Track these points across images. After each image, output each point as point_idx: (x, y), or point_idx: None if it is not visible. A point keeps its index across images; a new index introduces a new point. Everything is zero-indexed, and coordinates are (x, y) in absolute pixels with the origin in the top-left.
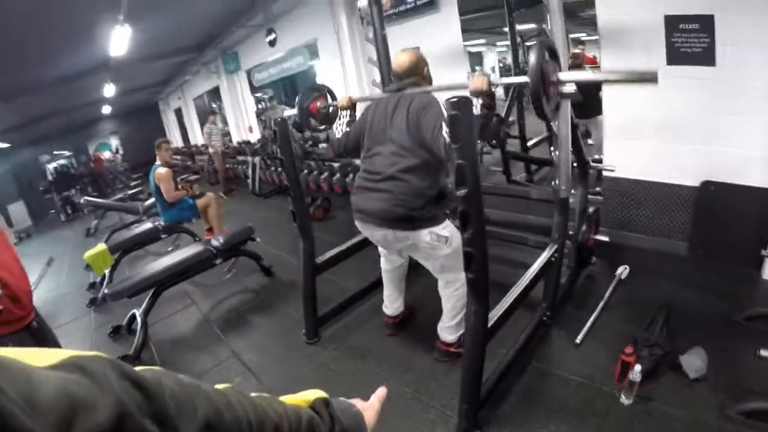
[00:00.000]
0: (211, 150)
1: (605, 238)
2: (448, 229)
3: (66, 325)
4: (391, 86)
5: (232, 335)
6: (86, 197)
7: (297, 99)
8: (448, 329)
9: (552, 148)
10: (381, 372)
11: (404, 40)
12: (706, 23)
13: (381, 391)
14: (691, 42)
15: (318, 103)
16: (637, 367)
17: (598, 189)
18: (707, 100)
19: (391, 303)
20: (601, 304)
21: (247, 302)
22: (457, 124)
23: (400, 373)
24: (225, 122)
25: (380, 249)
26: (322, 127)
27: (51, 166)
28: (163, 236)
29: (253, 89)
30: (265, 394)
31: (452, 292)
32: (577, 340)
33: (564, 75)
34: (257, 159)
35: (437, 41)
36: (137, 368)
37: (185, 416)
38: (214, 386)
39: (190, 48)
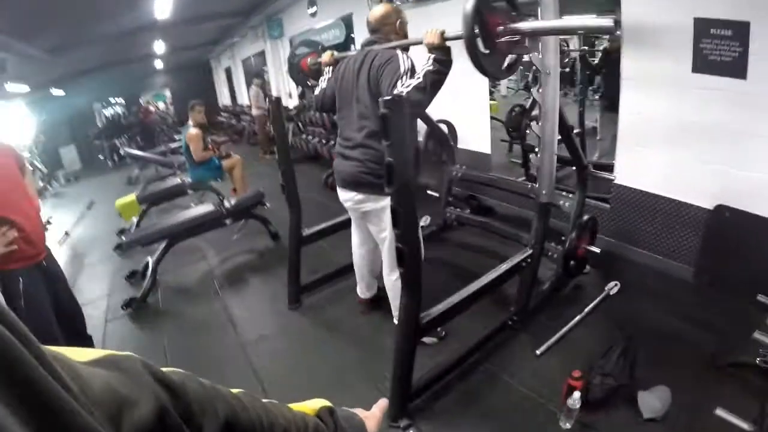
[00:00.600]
0: (254, 112)
1: (596, 250)
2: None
3: (92, 265)
4: (364, 40)
5: (228, 291)
6: (126, 149)
7: (287, 54)
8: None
9: (537, 152)
10: (345, 347)
11: (434, 22)
12: (740, 31)
13: (382, 403)
14: (721, 50)
15: (309, 60)
16: (576, 394)
17: (606, 195)
18: (732, 115)
19: (363, 285)
20: (577, 318)
21: (250, 263)
22: (388, 122)
23: (360, 351)
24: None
25: (352, 221)
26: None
27: (103, 114)
28: (189, 192)
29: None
30: (275, 401)
31: (394, 281)
32: (539, 351)
33: (518, 24)
34: (291, 125)
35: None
36: (163, 369)
37: (207, 416)
38: (230, 390)
39: (236, 12)
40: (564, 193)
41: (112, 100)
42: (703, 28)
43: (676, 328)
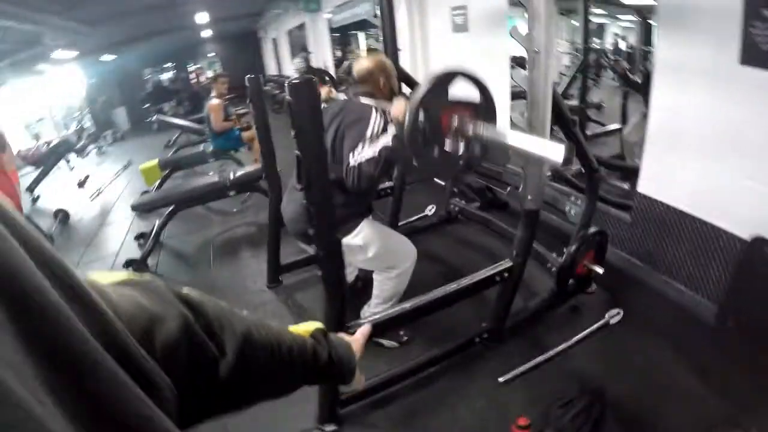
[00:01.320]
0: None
1: (599, 270)
2: (360, 237)
3: (112, 223)
4: (350, 90)
5: (219, 262)
6: (159, 115)
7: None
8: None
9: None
10: None
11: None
12: None
13: (365, 328)
14: None
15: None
16: None
17: (629, 203)
18: None
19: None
20: (561, 347)
21: (248, 236)
22: (295, 111)
23: None
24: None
25: None
26: None
27: (151, 80)
28: (210, 160)
29: (331, 30)
30: (275, 324)
31: (384, 278)
32: (502, 379)
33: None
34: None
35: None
36: (183, 290)
37: (227, 332)
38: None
39: None
40: (573, 198)
41: (161, 67)
42: (755, 8)
43: (679, 383)
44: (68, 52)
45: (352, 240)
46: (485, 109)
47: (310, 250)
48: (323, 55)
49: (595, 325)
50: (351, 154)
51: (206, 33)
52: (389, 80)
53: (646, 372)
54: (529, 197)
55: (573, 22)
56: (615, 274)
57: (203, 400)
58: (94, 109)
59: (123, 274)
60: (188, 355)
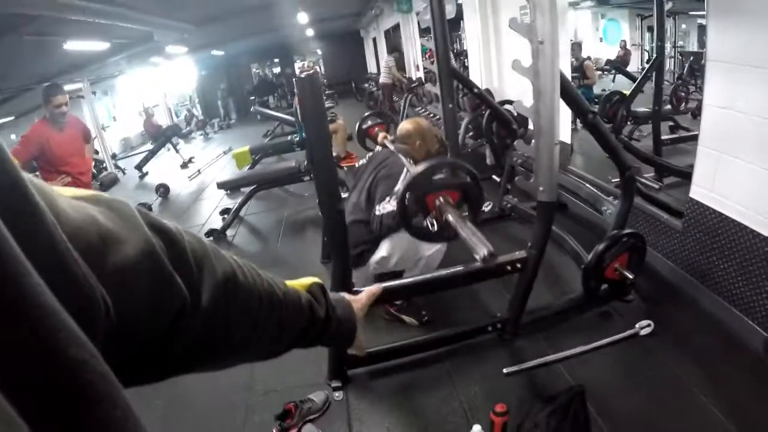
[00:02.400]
0: (382, 80)
1: (630, 275)
2: (382, 249)
3: (205, 198)
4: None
5: (286, 239)
6: (256, 106)
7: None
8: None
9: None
10: None
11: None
12: None
13: (374, 288)
14: None
15: (376, 130)
16: (476, 427)
17: (682, 210)
18: None
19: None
20: (578, 350)
21: (314, 218)
22: (301, 98)
23: None
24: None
25: None
26: None
27: (257, 74)
28: (296, 149)
29: (421, 31)
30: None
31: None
32: (507, 370)
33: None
34: (409, 95)
35: None
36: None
37: (206, 271)
38: (234, 257)
39: None
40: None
41: (267, 62)
42: None
43: (701, 412)
44: (178, 47)
45: (377, 255)
46: (471, 193)
47: None
48: (414, 55)
49: (622, 334)
50: (378, 205)
51: (310, 31)
52: (425, 143)
53: (664, 392)
54: (541, 188)
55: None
56: (659, 284)
57: (168, 351)
58: (203, 99)
59: (89, 191)
60: (149, 291)
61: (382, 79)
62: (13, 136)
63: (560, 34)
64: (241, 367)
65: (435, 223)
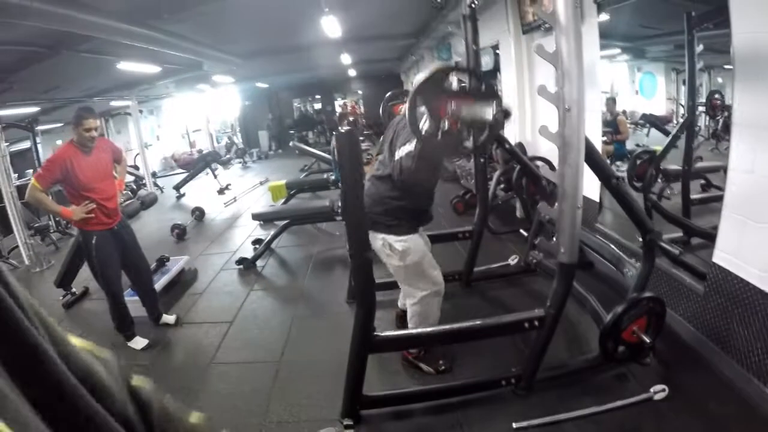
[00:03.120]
0: None
1: (647, 339)
2: (403, 243)
3: (239, 226)
4: None
5: (314, 275)
6: (295, 142)
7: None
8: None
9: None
10: None
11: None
12: None
13: None
14: None
15: (400, 108)
16: None
17: (705, 273)
18: None
19: (402, 296)
20: (589, 410)
21: (343, 257)
22: (339, 150)
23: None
24: None
25: None
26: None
27: (299, 109)
28: (331, 188)
29: (459, 80)
30: None
31: (410, 306)
32: (516, 425)
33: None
34: None
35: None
36: (134, 378)
37: None
38: (194, 414)
39: (407, 34)
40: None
41: (307, 98)
42: None
43: None
44: (225, 77)
45: (395, 242)
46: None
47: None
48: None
49: (635, 398)
50: (397, 151)
51: (352, 72)
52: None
53: None
54: (562, 250)
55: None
56: (677, 348)
57: None
58: (244, 128)
59: (85, 342)
60: None
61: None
62: (59, 141)
63: (592, 90)
64: (258, 394)
65: (446, 123)
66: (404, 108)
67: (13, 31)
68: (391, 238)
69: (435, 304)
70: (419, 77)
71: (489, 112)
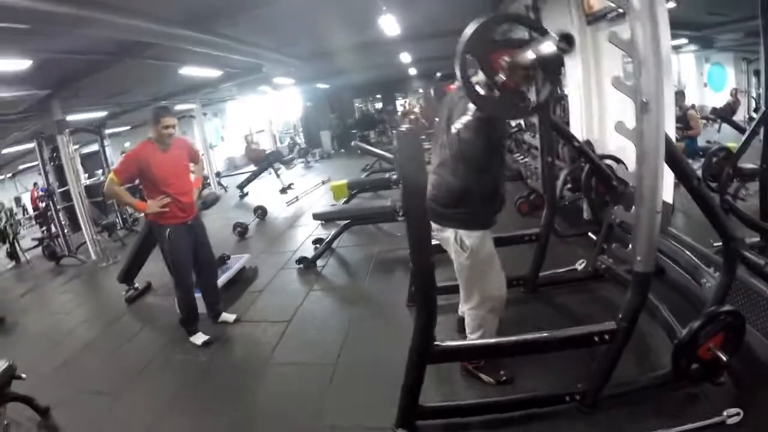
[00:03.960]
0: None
1: (724, 357)
2: (474, 239)
3: (300, 225)
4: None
5: (374, 276)
6: (356, 141)
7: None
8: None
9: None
10: None
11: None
12: None
13: None
14: None
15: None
16: None
17: None
18: None
19: (461, 303)
20: None
21: (404, 259)
22: (400, 151)
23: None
24: None
25: None
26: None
27: (360, 108)
28: (393, 187)
29: None
30: None
31: (468, 310)
32: None
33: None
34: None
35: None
36: None
37: None
38: None
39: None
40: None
41: (369, 98)
42: None
43: None
44: (285, 79)
45: (466, 237)
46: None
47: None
48: None
49: (707, 421)
50: (454, 125)
51: (412, 70)
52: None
53: None
54: (639, 258)
55: None
56: (754, 367)
57: None
58: (306, 128)
59: None
60: None
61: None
62: (127, 144)
63: (666, 82)
64: (312, 397)
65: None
66: (455, 86)
67: (77, 40)
68: (462, 233)
69: (495, 310)
70: (465, 32)
71: (547, 48)
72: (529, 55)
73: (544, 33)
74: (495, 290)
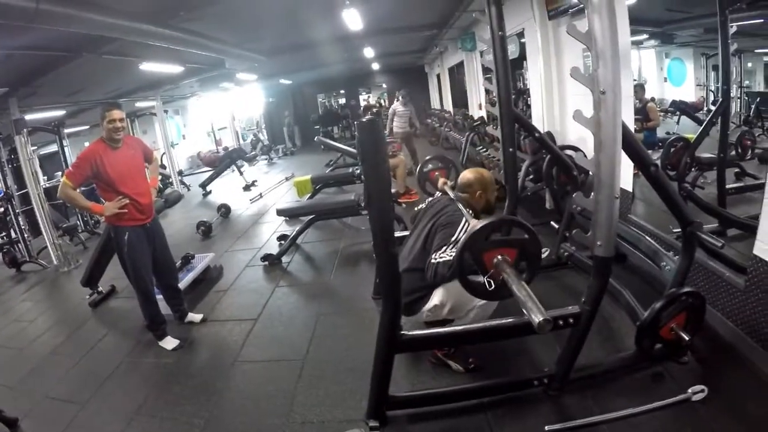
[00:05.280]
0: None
1: (686, 336)
2: (435, 297)
3: (264, 223)
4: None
5: (340, 270)
6: (319, 137)
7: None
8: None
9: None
10: None
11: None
12: None
13: None
14: None
15: (436, 174)
16: None
17: (745, 266)
18: None
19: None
20: (624, 412)
21: (369, 252)
22: (361, 140)
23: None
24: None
25: None
26: None
27: (323, 104)
28: (357, 182)
29: (485, 70)
30: None
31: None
32: (548, 428)
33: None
34: (471, 134)
35: None
36: None
37: None
38: None
39: (429, 25)
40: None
41: (331, 94)
42: None
43: None
44: (248, 75)
45: (430, 303)
46: (529, 250)
47: None
48: (478, 91)
49: (673, 399)
50: (435, 254)
51: (375, 65)
52: (485, 193)
53: None
54: (599, 243)
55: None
56: (716, 346)
57: None
58: (269, 124)
59: None
60: None
61: (397, 129)
62: (86, 143)
63: (624, 75)
64: (282, 393)
65: (492, 282)
66: (441, 183)
67: (32, 35)
68: (428, 306)
69: (487, 308)
70: (473, 228)
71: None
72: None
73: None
74: (488, 310)
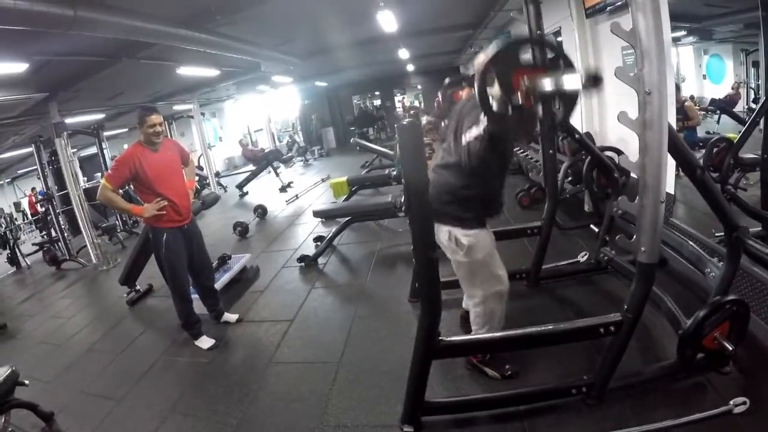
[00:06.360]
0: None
1: (729, 346)
2: (470, 238)
3: (300, 224)
4: None
5: (376, 272)
6: (355, 138)
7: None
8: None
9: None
10: None
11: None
12: None
13: None
14: None
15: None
16: None
17: None
18: None
19: (465, 298)
20: (664, 424)
21: (406, 255)
22: (402, 144)
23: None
24: None
25: None
26: None
27: (358, 105)
28: (393, 183)
29: None
30: None
31: (472, 307)
32: None
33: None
34: None
35: None
36: None
37: None
38: None
39: (465, 25)
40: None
41: (368, 95)
42: None
43: None
44: (284, 77)
45: (461, 236)
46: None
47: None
48: None
49: (714, 411)
50: (464, 135)
51: (410, 67)
52: None
53: None
54: (643, 248)
55: None
56: (760, 356)
57: None
58: (306, 126)
59: None
60: None
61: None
62: (125, 145)
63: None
64: (316, 395)
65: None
66: (465, 93)
67: (71, 41)
68: (458, 232)
69: (499, 305)
70: (490, 49)
71: (571, 82)
72: (552, 83)
73: (569, 65)
74: (497, 285)
